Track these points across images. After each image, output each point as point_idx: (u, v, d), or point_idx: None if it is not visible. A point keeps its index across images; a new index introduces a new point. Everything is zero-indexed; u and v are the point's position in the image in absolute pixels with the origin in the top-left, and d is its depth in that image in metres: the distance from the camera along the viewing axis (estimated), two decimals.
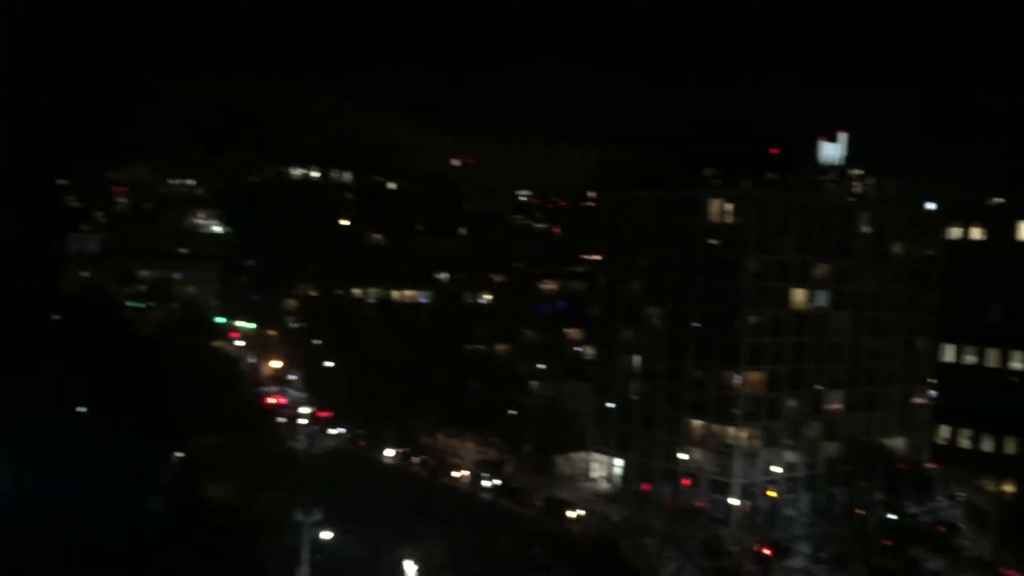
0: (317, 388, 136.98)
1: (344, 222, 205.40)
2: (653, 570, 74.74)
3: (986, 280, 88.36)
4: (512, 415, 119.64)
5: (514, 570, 76.85)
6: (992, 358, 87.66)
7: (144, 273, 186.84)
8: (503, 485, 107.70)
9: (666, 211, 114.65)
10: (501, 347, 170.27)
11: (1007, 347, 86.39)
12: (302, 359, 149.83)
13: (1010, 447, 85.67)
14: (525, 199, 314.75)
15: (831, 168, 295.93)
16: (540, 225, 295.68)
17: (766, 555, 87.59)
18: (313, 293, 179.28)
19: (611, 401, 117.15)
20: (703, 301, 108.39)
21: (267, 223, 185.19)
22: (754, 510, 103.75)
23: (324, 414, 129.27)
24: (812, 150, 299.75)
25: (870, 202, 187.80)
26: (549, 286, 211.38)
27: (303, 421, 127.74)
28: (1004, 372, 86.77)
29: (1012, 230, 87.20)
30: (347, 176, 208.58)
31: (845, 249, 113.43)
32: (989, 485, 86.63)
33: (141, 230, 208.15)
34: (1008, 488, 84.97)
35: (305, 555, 60.93)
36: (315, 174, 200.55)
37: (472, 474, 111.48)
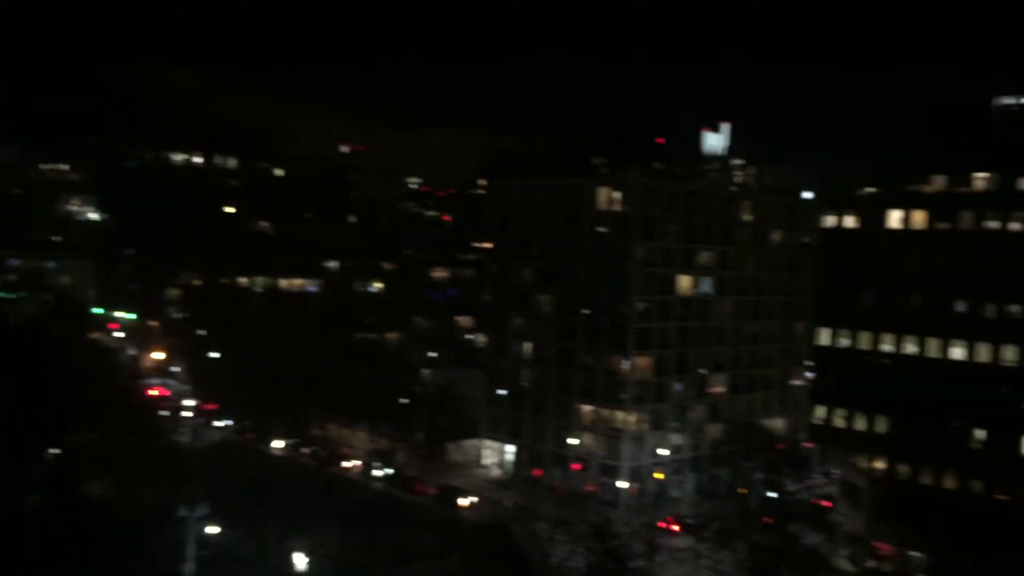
0: (202, 380, 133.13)
1: (229, 209, 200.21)
2: (544, 554, 75.62)
3: (859, 266, 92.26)
4: (403, 404, 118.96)
5: (406, 559, 76.66)
6: (864, 341, 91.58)
7: (13, 263, 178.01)
8: (395, 474, 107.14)
9: (555, 199, 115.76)
10: (392, 336, 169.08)
11: (878, 330, 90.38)
12: (186, 350, 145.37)
13: (881, 426, 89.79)
14: (416, 186, 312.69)
15: (714, 158, 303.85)
16: (431, 213, 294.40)
17: (674, 530, 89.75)
18: (197, 282, 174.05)
19: (502, 388, 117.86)
20: (592, 288, 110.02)
21: (147, 210, 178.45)
22: (642, 492, 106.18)
23: (209, 406, 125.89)
24: (696, 140, 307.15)
25: (751, 191, 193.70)
26: (440, 274, 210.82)
27: (187, 414, 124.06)
28: (875, 354, 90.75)
29: (882, 218, 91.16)
30: (232, 162, 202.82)
31: (728, 236, 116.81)
32: (862, 462, 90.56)
33: (9, 217, 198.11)
34: (880, 465, 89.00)
35: (190, 551, 59.35)
36: (198, 160, 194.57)
37: (364, 464, 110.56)
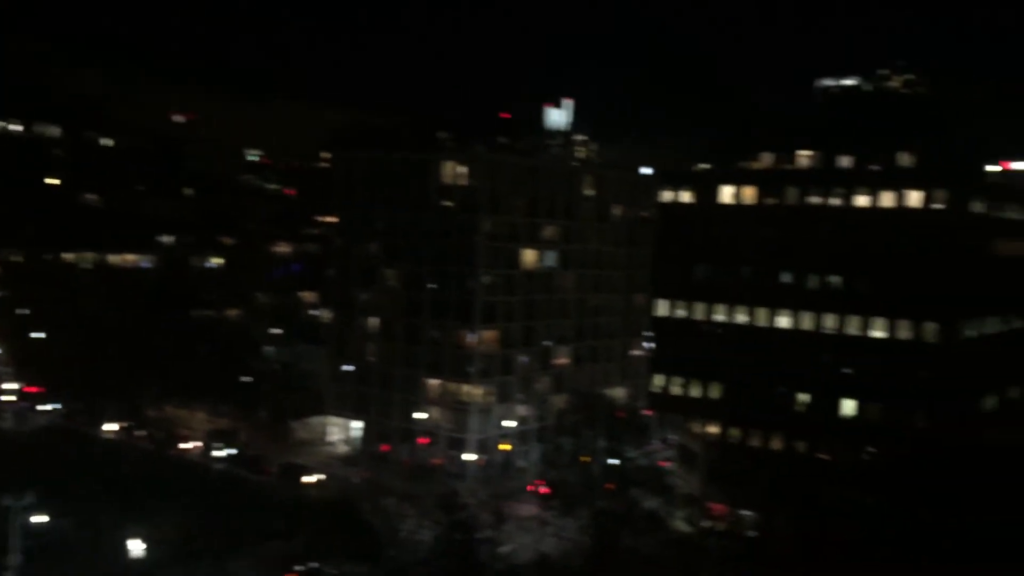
0: (25, 361, 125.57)
1: (52, 181, 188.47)
2: (393, 529, 75.49)
3: (694, 240, 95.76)
4: (245, 382, 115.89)
5: (249, 539, 75.00)
6: (699, 311, 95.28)
7: None
8: (237, 454, 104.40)
9: (401, 173, 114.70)
10: (233, 312, 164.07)
11: (712, 301, 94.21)
12: (6, 331, 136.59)
13: (715, 392, 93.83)
14: (256, 159, 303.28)
15: (558, 133, 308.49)
16: (273, 186, 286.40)
17: (542, 492, 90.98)
18: (18, 259, 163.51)
19: (348, 364, 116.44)
20: (439, 262, 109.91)
21: None
22: (489, 464, 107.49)
23: (33, 389, 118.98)
24: (539, 116, 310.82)
25: (593, 166, 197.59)
26: (283, 249, 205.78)
27: (8, 398, 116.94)
28: (710, 324, 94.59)
29: (715, 193, 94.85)
30: (54, 130, 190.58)
31: (571, 211, 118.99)
32: (697, 428, 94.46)
33: None
34: (713, 430, 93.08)
35: (15, 542, 56.03)
36: (16, 128, 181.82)
37: (204, 445, 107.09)
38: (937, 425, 79.65)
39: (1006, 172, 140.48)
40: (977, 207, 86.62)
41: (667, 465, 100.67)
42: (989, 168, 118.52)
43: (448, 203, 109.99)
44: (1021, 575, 41.73)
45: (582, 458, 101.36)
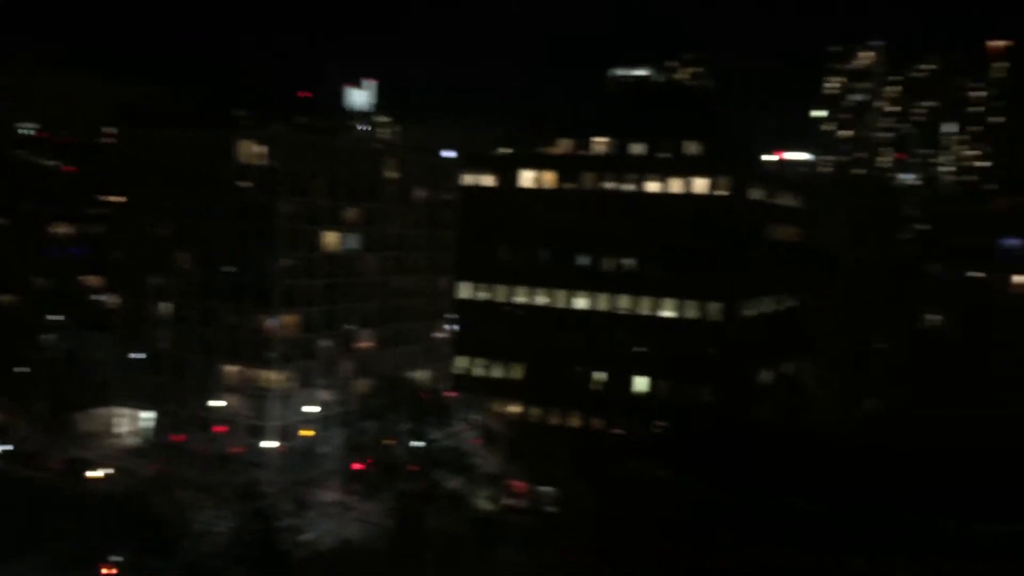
0: None
1: None
2: (187, 520, 72.49)
3: (496, 223, 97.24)
4: (22, 372, 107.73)
5: (32, 540, 70.11)
6: (501, 294, 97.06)
7: None
8: (13, 450, 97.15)
9: (195, 151, 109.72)
10: (5, 298, 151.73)
11: (513, 283, 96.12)
12: None
13: (516, 373, 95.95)
14: (31, 133, 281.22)
15: (360, 114, 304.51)
16: (50, 163, 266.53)
17: (359, 469, 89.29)
18: None
19: (138, 351, 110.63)
20: (235, 244, 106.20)
21: None
22: (290, 450, 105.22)
23: None
24: (340, 96, 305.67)
25: (396, 148, 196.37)
26: (63, 230, 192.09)
27: None
28: (511, 306, 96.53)
29: (516, 177, 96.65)
30: None
31: (373, 193, 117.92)
32: (500, 408, 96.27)
33: None
34: (515, 409, 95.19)
35: None
36: None
37: None
38: (720, 399, 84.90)
39: (781, 161, 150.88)
40: (756, 194, 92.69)
41: (470, 445, 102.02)
42: (766, 157, 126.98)
43: (246, 183, 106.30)
44: (792, 540, 45.33)
45: (385, 441, 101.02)
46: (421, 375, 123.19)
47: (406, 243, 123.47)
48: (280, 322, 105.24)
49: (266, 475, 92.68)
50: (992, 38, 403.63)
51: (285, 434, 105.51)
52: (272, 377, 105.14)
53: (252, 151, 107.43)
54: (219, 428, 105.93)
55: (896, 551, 43.20)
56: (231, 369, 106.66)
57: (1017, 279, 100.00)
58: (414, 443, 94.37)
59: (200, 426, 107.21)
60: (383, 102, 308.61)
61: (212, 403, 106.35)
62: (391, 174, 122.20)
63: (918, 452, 53.52)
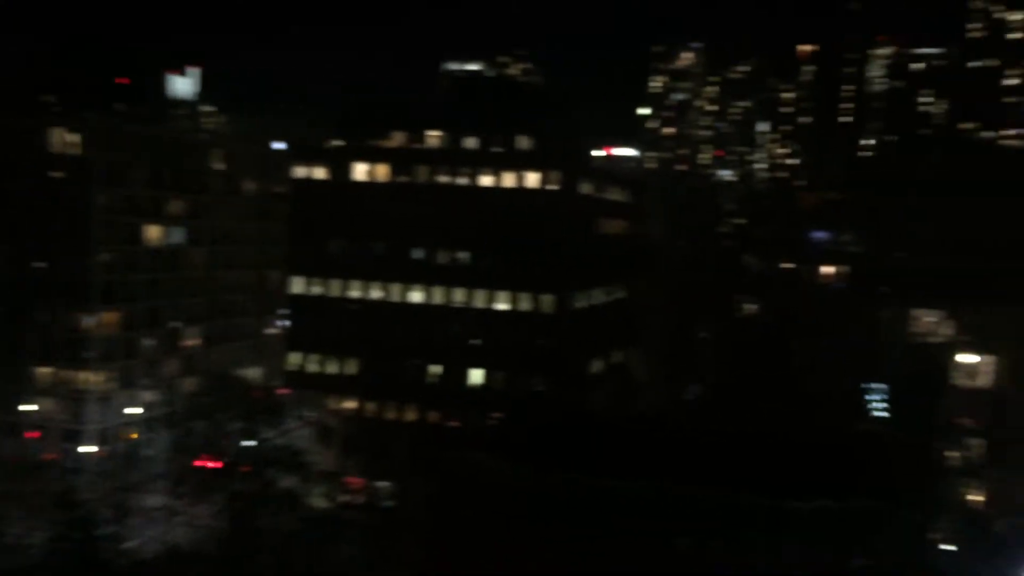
0: None
1: None
2: None
3: (329, 216, 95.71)
4: None
5: None
6: (335, 288, 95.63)
7: None
8: None
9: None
10: None
11: (348, 278, 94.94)
12: None
13: (351, 368, 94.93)
14: None
15: (183, 103, 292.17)
16: None
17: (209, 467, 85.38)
18: None
19: None
20: (47, 238, 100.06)
21: None
22: (112, 455, 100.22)
23: None
24: (162, 83, 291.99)
25: (224, 138, 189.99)
26: None
27: None
28: (345, 300, 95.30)
29: (349, 170, 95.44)
30: None
31: (199, 185, 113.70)
32: (335, 404, 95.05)
33: None
34: (350, 405, 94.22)
35: None
36: None
37: None
38: (554, 389, 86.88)
39: (609, 157, 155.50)
40: (586, 188, 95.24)
41: (305, 443, 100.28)
42: (595, 153, 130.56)
43: (59, 174, 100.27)
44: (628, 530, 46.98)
45: (215, 441, 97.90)
46: (252, 373, 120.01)
47: (235, 237, 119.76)
48: (98, 320, 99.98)
49: (85, 482, 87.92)
50: (801, 42, 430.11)
51: (105, 438, 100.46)
52: (90, 378, 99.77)
53: (65, 140, 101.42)
54: (31, 434, 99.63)
55: (716, 529, 45.59)
56: (43, 370, 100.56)
57: (824, 270, 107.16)
58: (246, 442, 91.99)
59: (8, 432, 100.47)
60: (209, 91, 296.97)
61: (21, 407, 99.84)
62: (218, 165, 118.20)
63: (735, 435, 56.56)
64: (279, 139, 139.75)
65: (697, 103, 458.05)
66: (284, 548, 67.78)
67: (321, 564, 67.41)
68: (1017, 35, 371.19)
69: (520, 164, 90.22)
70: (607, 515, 47.58)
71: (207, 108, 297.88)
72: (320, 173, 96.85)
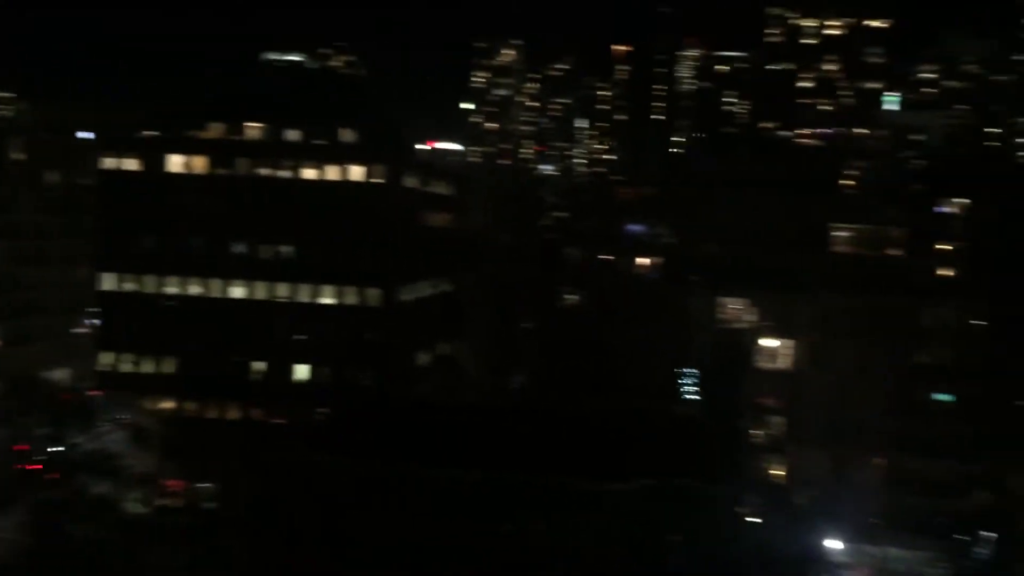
0: None
1: None
2: None
3: (143, 210, 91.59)
4: None
5: None
6: (150, 285, 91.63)
7: None
8: None
9: None
10: None
11: (163, 274, 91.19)
12: None
13: (168, 367, 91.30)
14: None
15: None
16: None
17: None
18: None
19: None
20: None
21: None
22: None
23: None
24: None
25: (23, 127, 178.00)
26: None
27: None
28: (161, 297, 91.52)
29: (163, 162, 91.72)
30: None
31: None
32: (152, 404, 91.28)
33: None
34: (168, 405, 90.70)
35: None
36: None
37: None
38: (381, 382, 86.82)
39: (434, 150, 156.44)
40: (410, 182, 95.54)
41: (119, 446, 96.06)
42: (419, 147, 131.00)
43: None
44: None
45: (18, 448, 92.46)
46: (60, 374, 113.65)
47: (38, 231, 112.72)
48: None
49: None
50: (616, 43, 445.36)
51: None
52: None
53: None
54: None
55: (540, 513, 47.06)
56: None
57: (640, 261, 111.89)
58: (53, 448, 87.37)
59: None
60: (4, 75, 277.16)
61: None
62: (17, 156, 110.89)
63: (559, 421, 58.50)
64: (91, 129, 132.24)
65: (518, 99, 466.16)
66: (96, 556, 64.84)
67: (138, 570, 64.98)
68: (811, 40, 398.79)
69: (344, 157, 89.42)
70: (433, 505, 48.23)
71: (5, 95, 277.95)
72: (132, 164, 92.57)
